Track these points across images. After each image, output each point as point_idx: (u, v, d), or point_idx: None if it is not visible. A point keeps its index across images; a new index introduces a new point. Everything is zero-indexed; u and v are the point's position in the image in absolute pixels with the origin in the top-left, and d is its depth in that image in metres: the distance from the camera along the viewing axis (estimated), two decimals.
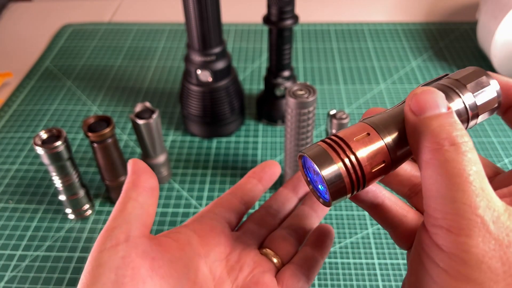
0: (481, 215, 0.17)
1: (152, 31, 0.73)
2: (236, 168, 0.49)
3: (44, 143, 0.37)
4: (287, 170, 0.44)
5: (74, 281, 0.39)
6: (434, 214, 0.18)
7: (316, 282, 0.38)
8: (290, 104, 0.38)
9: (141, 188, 0.26)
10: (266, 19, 0.47)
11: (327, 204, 0.22)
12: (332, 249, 0.41)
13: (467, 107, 0.21)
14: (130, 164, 0.27)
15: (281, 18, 0.46)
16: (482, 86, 0.21)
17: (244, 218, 0.31)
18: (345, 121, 0.40)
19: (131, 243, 0.23)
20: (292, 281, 0.27)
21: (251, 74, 0.63)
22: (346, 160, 0.20)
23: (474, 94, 0.21)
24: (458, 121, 0.19)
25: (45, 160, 0.38)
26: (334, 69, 0.64)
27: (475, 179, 0.18)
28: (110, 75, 0.64)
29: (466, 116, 0.21)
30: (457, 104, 0.21)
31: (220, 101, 0.49)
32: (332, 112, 0.41)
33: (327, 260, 0.40)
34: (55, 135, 0.38)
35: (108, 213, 0.44)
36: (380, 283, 0.38)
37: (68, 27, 0.75)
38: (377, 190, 0.24)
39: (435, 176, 0.18)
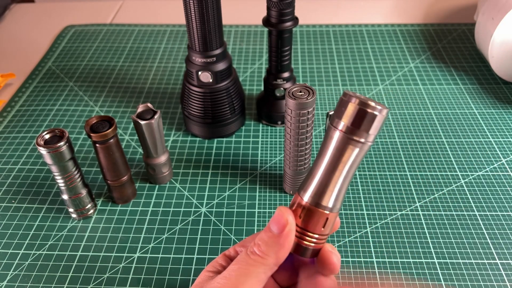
0: None
1: (154, 33, 0.74)
2: (236, 168, 0.49)
3: (47, 143, 0.38)
4: (287, 171, 0.44)
5: (76, 279, 0.39)
6: None
7: None
8: (289, 105, 0.39)
9: None
10: (266, 21, 0.47)
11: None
12: None
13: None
14: None
15: (281, 20, 0.46)
16: None
17: None
18: None
19: None
20: None
21: (251, 75, 0.64)
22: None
23: None
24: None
25: (48, 160, 0.38)
26: (334, 70, 0.64)
27: None
28: (112, 75, 0.64)
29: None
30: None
31: (220, 102, 0.50)
32: (332, 112, 0.41)
33: None
34: (57, 135, 0.39)
35: (110, 212, 0.45)
36: (379, 282, 0.38)
37: (70, 28, 0.75)
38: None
39: None
